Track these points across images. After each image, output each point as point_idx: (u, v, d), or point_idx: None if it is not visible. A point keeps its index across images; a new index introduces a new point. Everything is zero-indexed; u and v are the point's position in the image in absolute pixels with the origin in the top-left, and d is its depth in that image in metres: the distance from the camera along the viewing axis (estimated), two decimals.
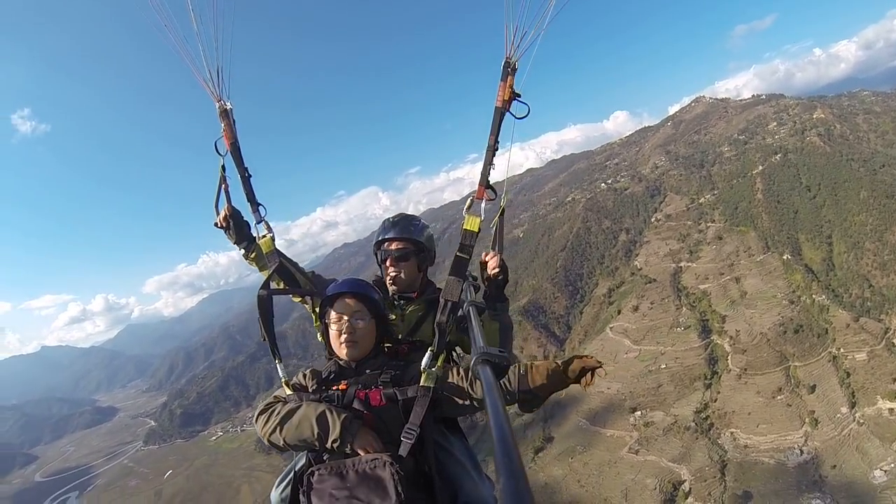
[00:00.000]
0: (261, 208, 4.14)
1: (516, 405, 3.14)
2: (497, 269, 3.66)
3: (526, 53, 3.18)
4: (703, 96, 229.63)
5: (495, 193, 3.42)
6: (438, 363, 3.11)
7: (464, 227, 3.29)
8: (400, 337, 3.86)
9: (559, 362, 3.10)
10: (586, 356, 3.14)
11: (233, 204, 4.18)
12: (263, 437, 3.12)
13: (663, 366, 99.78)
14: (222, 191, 4.20)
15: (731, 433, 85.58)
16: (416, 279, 4.27)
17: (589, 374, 3.06)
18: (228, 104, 4.19)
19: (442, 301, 3.20)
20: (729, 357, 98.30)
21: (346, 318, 3.33)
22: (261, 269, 4.08)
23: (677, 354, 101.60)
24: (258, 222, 4.13)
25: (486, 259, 3.69)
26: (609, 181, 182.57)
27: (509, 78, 3.20)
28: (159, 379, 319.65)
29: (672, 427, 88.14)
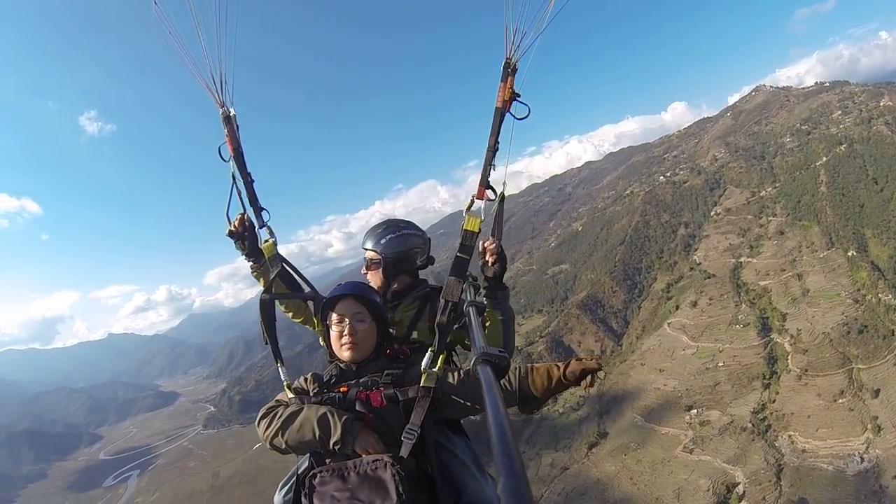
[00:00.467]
0: (264, 213, 4.31)
1: (516, 407, 3.23)
2: (495, 257, 3.70)
3: (526, 54, 3.27)
4: (764, 85, 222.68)
5: (495, 194, 3.53)
6: (439, 364, 3.19)
7: (464, 227, 3.37)
8: (397, 338, 3.98)
9: (559, 364, 3.18)
10: (586, 358, 3.23)
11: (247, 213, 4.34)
12: (265, 441, 3.21)
13: (721, 364, 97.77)
14: (234, 198, 4.31)
15: (789, 436, 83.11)
16: (384, 286, 4.32)
17: (589, 377, 3.13)
18: (231, 110, 4.35)
19: (442, 301, 3.30)
20: (789, 357, 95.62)
21: (346, 320, 3.42)
22: (263, 285, 4.19)
23: (735, 352, 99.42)
24: (261, 227, 4.27)
25: (485, 246, 3.71)
26: (668, 174, 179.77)
27: (509, 78, 3.31)
28: (219, 366, 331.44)
29: (728, 427, 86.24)
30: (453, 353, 3.91)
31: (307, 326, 4.44)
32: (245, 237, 4.19)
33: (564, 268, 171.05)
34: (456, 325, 3.29)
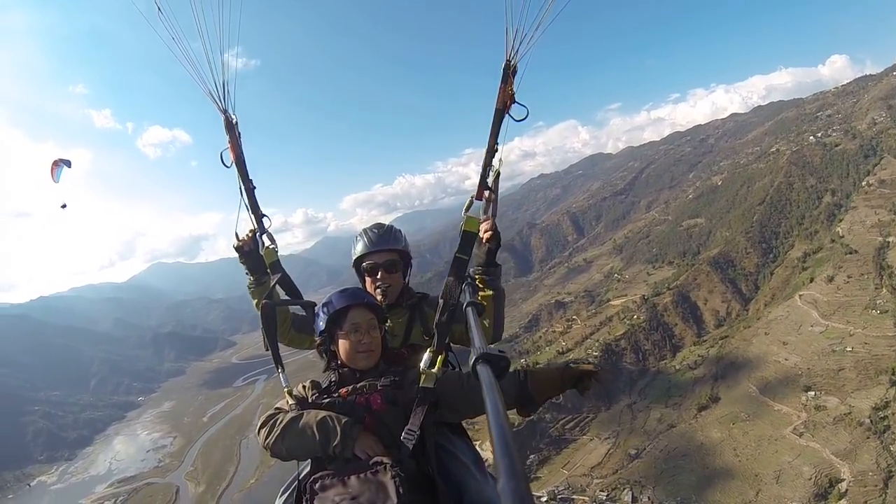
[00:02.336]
0: (265, 219, 4.40)
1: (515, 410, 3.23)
2: (490, 234, 3.69)
3: (526, 54, 3.23)
4: None
5: (495, 194, 3.55)
6: (437, 364, 3.21)
7: (463, 227, 3.39)
8: (394, 345, 3.97)
9: (558, 367, 3.23)
10: (584, 362, 3.31)
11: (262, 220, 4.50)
12: (266, 448, 3.21)
13: (849, 349, 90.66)
14: (246, 207, 4.46)
15: None
16: (403, 288, 4.44)
17: (587, 381, 3.16)
18: (234, 116, 4.39)
19: (441, 301, 3.35)
20: None
21: (363, 329, 3.42)
22: (257, 306, 4.17)
23: (867, 339, 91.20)
24: (262, 233, 4.36)
25: (480, 223, 3.62)
26: (818, 134, 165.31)
27: (510, 79, 3.26)
28: None
29: (844, 418, 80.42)
30: (451, 353, 3.84)
31: (290, 345, 4.41)
32: (250, 253, 4.35)
33: (700, 222, 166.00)
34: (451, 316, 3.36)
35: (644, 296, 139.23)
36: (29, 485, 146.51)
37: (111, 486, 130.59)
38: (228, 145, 4.48)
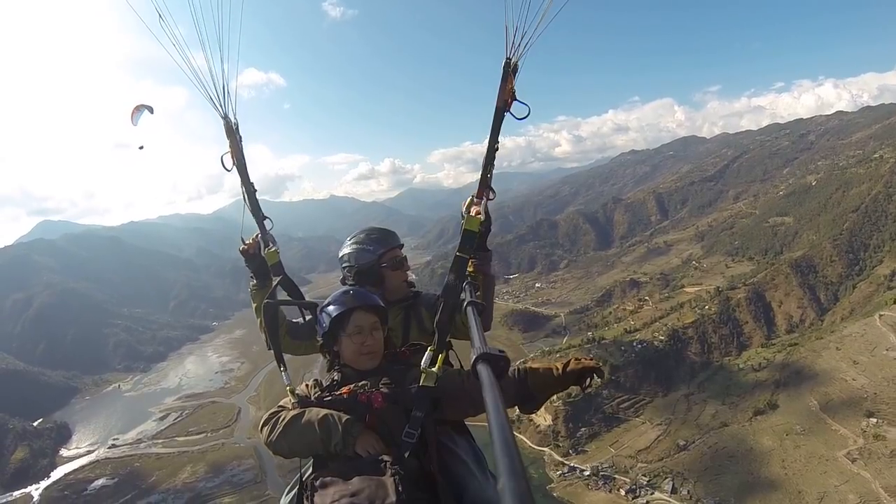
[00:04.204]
0: (266, 221, 4.55)
1: (516, 407, 3.33)
2: (482, 217, 3.57)
3: (527, 54, 3.23)
4: None
5: (494, 194, 3.59)
6: (438, 363, 3.23)
7: (464, 227, 3.38)
8: (396, 345, 4.01)
9: (558, 364, 3.23)
10: (585, 357, 3.28)
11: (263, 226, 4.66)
12: (268, 445, 3.26)
13: None
14: (252, 215, 4.57)
15: None
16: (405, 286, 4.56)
17: (588, 377, 3.19)
18: (235, 121, 4.46)
19: (441, 300, 3.43)
20: None
21: (367, 330, 3.50)
22: (257, 310, 4.29)
23: None
24: (263, 235, 4.49)
25: (472, 207, 3.59)
26: None
27: (510, 78, 3.25)
28: (428, 240, 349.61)
29: None
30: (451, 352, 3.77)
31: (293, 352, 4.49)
32: (255, 258, 4.40)
33: (787, 220, 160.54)
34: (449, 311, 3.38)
35: (719, 287, 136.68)
36: (120, 385, 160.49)
37: (179, 400, 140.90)
38: (229, 149, 4.51)
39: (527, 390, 3.23)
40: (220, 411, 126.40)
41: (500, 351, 2.39)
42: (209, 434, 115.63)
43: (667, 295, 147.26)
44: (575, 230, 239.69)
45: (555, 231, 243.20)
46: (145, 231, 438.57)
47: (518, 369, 3.27)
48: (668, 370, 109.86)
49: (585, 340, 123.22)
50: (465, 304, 3.26)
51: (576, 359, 3.25)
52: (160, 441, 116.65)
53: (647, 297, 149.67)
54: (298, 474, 3.37)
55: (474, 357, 2.26)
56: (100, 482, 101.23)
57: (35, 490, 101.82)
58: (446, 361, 3.44)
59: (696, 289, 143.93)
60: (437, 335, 3.31)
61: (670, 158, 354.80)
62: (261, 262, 4.53)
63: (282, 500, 3.52)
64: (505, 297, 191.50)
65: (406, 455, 3.05)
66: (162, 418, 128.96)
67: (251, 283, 4.49)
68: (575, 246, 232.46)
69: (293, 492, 3.43)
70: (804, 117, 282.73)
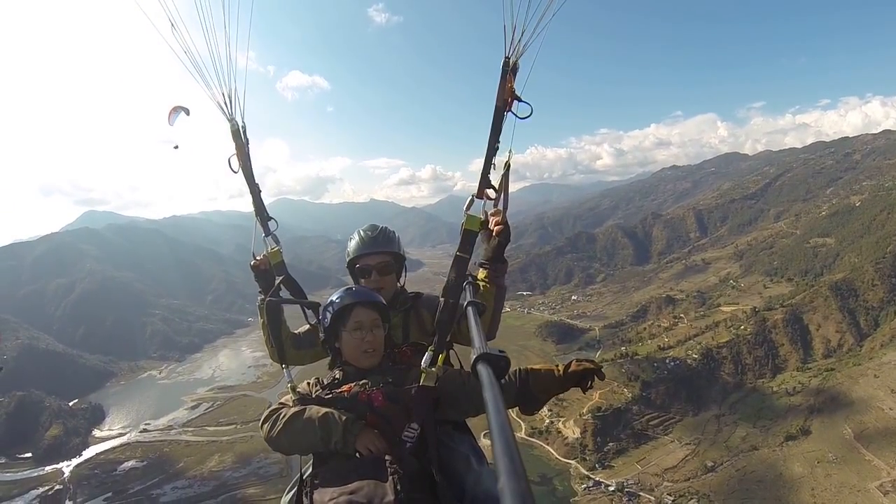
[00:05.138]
0: (271, 223, 4.43)
1: (517, 408, 3.29)
2: (500, 227, 3.63)
3: (527, 53, 3.20)
4: None
5: (496, 192, 3.53)
6: (438, 362, 3.23)
7: (464, 226, 3.36)
8: (396, 343, 4.05)
9: (559, 366, 3.25)
10: (587, 359, 3.28)
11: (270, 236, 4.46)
12: (268, 442, 3.31)
13: None
14: (261, 223, 4.42)
15: None
16: (396, 290, 4.50)
17: (590, 378, 3.18)
18: (242, 123, 4.41)
19: (442, 300, 3.40)
20: None
21: (367, 327, 3.50)
22: (263, 326, 4.20)
23: None
24: (266, 236, 4.39)
25: (490, 215, 3.60)
26: None
27: (509, 77, 3.23)
28: None
29: None
30: (451, 353, 3.72)
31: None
32: (266, 273, 4.29)
33: (829, 241, 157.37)
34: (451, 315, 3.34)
35: (755, 308, 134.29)
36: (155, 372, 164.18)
37: (211, 391, 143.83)
38: (235, 153, 4.45)
39: (528, 391, 3.23)
40: (251, 404, 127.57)
41: (501, 351, 2.31)
42: (239, 426, 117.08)
43: (702, 313, 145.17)
44: (613, 244, 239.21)
45: (593, 244, 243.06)
46: (187, 225, 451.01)
47: (519, 370, 3.27)
48: (700, 389, 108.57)
49: (618, 355, 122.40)
50: (466, 304, 3.09)
51: (577, 360, 3.27)
52: (190, 429, 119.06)
53: (682, 315, 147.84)
54: (299, 473, 3.36)
55: (474, 357, 2.16)
56: (129, 464, 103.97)
57: (66, 466, 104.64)
58: (446, 361, 3.46)
59: (733, 308, 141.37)
60: (437, 335, 3.33)
61: (711, 175, 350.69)
62: (271, 279, 4.34)
63: (283, 499, 3.53)
64: (541, 308, 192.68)
65: (406, 454, 3.08)
66: (193, 407, 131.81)
67: (259, 298, 4.28)
68: (612, 260, 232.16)
69: (293, 490, 3.43)
70: (850, 135, 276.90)
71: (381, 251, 4.40)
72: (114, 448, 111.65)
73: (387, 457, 2.97)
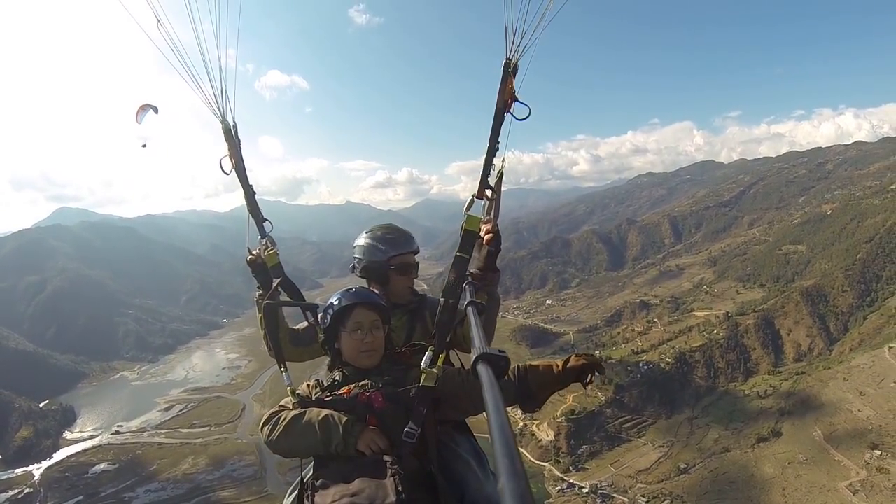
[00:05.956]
0: (266, 224, 4.42)
1: (517, 406, 3.28)
2: (491, 236, 3.65)
3: (526, 53, 3.20)
4: None
5: (495, 194, 3.55)
6: (438, 363, 3.21)
7: (464, 227, 3.29)
8: (396, 345, 4.00)
9: (558, 362, 3.21)
10: (586, 354, 3.23)
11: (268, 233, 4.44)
12: (268, 445, 3.27)
13: None
14: (255, 220, 4.42)
15: None
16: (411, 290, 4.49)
17: (589, 374, 3.16)
18: (233, 123, 4.31)
19: (442, 300, 3.32)
20: None
21: (366, 328, 3.48)
22: (262, 322, 4.10)
23: None
24: (262, 237, 4.35)
25: (482, 224, 3.52)
26: None
27: (510, 79, 3.23)
28: (442, 251, 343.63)
29: None
30: (451, 352, 3.68)
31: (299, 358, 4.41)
32: (263, 268, 4.28)
33: (800, 249, 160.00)
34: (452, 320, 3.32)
35: (728, 313, 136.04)
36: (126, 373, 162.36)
37: (185, 392, 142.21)
38: (228, 153, 4.35)
39: (527, 388, 3.20)
40: (225, 407, 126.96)
41: (501, 351, 2.32)
42: (212, 428, 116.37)
43: (676, 318, 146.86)
44: (588, 249, 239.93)
45: (568, 249, 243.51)
46: (161, 224, 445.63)
47: (518, 367, 3.25)
48: (673, 393, 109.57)
49: None
50: (466, 304, 3.11)
51: (576, 356, 3.22)
52: (163, 431, 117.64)
53: (655, 319, 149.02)
54: (300, 475, 3.37)
55: (474, 357, 2.18)
56: (101, 466, 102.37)
57: (37, 469, 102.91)
58: (446, 361, 3.43)
59: (706, 313, 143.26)
60: (437, 335, 3.30)
61: (687, 182, 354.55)
62: (266, 271, 4.32)
63: (284, 501, 3.49)
64: (515, 313, 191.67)
65: (407, 455, 3.07)
66: (166, 409, 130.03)
67: (256, 294, 4.27)
68: (587, 265, 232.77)
69: (295, 493, 3.43)
70: (823, 146, 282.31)
71: (415, 251, 4.55)
72: (85, 450, 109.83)
73: (387, 457, 2.98)
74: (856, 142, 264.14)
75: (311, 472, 3.22)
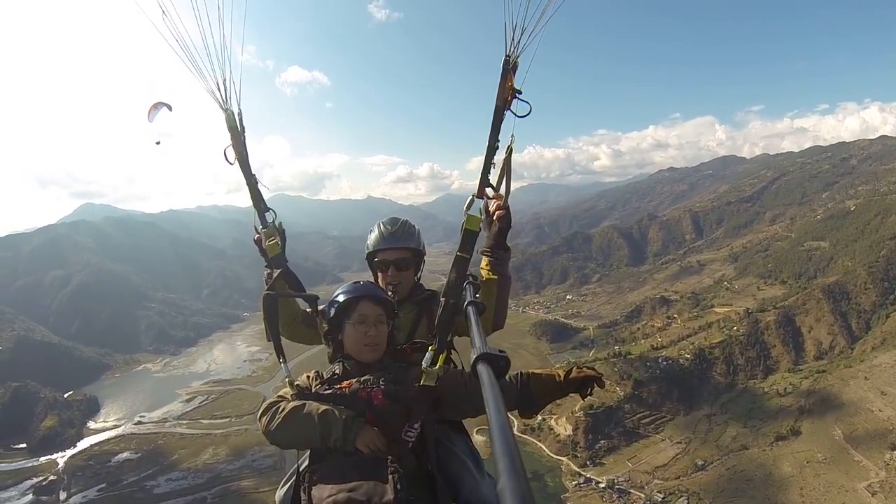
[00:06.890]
0: (268, 214, 4.30)
1: (517, 411, 3.27)
2: (502, 213, 3.59)
3: (527, 51, 3.19)
4: None
5: (495, 191, 3.55)
6: (439, 362, 3.19)
7: (464, 226, 3.38)
8: (399, 341, 3.93)
9: (560, 371, 3.26)
10: (587, 367, 3.30)
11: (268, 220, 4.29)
12: (266, 435, 3.24)
13: None
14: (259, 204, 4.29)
15: None
16: (413, 285, 4.42)
17: (590, 386, 3.21)
18: (236, 111, 4.25)
19: (443, 300, 3.34)
20: None
21: (370, 321, 3.45)
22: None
23: None
24: (264, 227, 4.26)
25: (492, 198, 3.57)
26: None
27: (510, 75, 3.23)
28: None
29: None
30: (453, 352, 3.74)
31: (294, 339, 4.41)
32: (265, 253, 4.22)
33: (823, 245, 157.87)
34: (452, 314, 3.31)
35: (748, 309, 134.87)
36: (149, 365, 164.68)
37: (206, 384, 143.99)
38: (231, 143, 4.28)
39: (528, 395, 3.22)
40: (246, 398, 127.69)
41: (501, 351, 2.34)
42: (233, 419, 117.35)
43: (696, 314, 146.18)
44: (609, 245, 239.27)
45: (589, 244, 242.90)
46: (183, 219, 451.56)
47: (521, 373, 3.27)
48: (692, 389, 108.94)
49: (612, 354, 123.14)
50: (466, 304, 3.15)
51: (578, 367, 3.27)
52: (185, 422, 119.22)
53: (675, 315, 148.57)
54: (295, 466, 3.38)
55: (474, 357, 2.21)
56: (123, 455, 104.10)
57: (61, 457, 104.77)
58: (447, 361, 3.46)
59: (726, 309, 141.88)
60: (437, 334, 3.30)
61: (709, 177, 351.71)
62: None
63: (277, 493, 3.52)
64: (535, 307, 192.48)
65: (406, 453, 3.08)
66: (188, 400, 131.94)
67: (265, 274, 4.20)
68: (608, 260, 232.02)
69: (289, 484, 3.41)
70: (847, 140, 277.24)
71: (399, 246, 4.35)
72: (108, 440, 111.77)
73: (386, 455, 2.97)
74: (881, 136, 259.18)
75: (305, 464, 3.28)
